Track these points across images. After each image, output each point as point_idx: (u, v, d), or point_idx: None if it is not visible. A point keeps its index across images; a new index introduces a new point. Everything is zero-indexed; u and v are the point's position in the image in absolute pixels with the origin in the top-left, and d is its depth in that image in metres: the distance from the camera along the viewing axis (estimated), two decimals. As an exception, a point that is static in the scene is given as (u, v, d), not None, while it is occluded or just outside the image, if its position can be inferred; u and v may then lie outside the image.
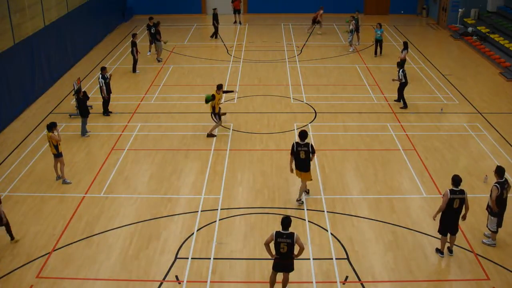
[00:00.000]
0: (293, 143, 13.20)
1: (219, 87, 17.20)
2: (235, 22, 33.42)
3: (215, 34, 29.89)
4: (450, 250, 11.75)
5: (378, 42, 26.22)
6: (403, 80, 19.47)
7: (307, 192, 14.00)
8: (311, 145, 13.18)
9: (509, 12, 28.85)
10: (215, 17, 29.53)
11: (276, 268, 10.26)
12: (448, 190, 11.26)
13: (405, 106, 19.72)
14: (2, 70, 18.57)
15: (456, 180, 11.31)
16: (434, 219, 11.64)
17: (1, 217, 11.99)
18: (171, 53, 27.01)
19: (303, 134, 13.20)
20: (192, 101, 20.60)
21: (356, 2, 34.39)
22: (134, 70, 23.94)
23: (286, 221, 9.94)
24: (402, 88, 19.69)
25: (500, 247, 12.00)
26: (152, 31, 25.57)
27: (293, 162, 13.33)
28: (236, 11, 33.50)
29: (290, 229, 9.94)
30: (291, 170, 13.41)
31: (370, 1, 35.69)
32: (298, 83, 22.53)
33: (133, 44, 23.39)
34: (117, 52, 27.21)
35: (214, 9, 29.85)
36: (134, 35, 23.93)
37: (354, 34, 27.18)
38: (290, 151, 13.35)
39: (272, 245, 10.08)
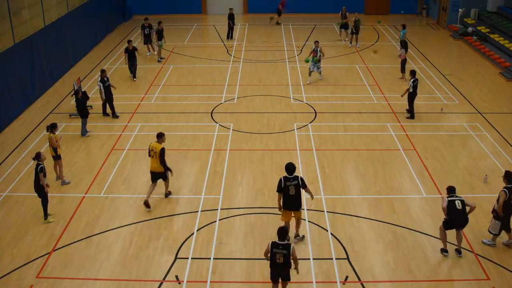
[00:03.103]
0: (280, 178, 11.52)
1: (160, 135, 13.65)
2: (278, 23, 33.21)
3: (230, 35, 29.59)
4: (459, 251, 11.65)
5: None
6: (411, 90, 18.36)
7: (301, 238, 12.19)
8: (301, 178, 11.58)
9: (509, 12, 28.84)
10: (231, 17, 29.32)
11: (274, 279, 10.05)
12: (446, 198, 11.47)
13: (411, 117, 18.68)
14: (2, 70, 18.57)
15: (451, 189, 11.64)
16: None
17: (43, 187, 12.60)
18: (171, 53, 27.01)
19: (290, 167, 11.49)
20: (192, 101, 20.60)
21: (356, 2, 34.39)
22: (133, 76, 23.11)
23: (282, 232, 9.76)
24: (411, 98, 18.57)
25: (500, 247, 12.00)
26: (146, 32, 25.27)
27: (281, 200, 11.58)
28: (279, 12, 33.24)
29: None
30: (280, 208, 11.66)
31: (371, 1, 35.69)
32: (298, 83, 22.52)
33: (125, 51, 22.34)
34: (117, 52, 27.18)
35: (231, 9, 29.67)
36: (129, 42, 22.55)
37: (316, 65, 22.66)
38: (276, 188, 11.59)
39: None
